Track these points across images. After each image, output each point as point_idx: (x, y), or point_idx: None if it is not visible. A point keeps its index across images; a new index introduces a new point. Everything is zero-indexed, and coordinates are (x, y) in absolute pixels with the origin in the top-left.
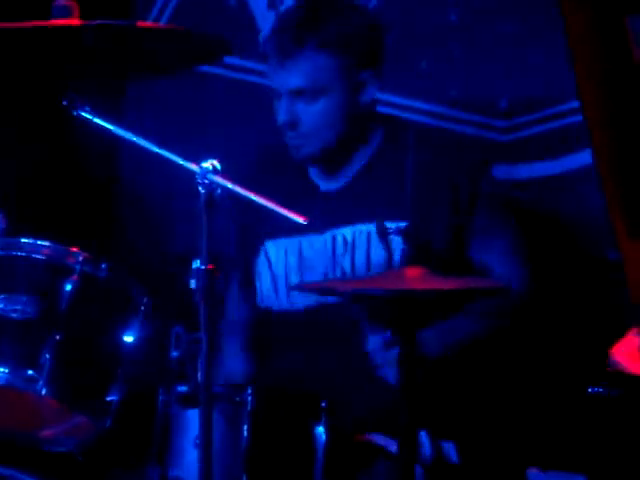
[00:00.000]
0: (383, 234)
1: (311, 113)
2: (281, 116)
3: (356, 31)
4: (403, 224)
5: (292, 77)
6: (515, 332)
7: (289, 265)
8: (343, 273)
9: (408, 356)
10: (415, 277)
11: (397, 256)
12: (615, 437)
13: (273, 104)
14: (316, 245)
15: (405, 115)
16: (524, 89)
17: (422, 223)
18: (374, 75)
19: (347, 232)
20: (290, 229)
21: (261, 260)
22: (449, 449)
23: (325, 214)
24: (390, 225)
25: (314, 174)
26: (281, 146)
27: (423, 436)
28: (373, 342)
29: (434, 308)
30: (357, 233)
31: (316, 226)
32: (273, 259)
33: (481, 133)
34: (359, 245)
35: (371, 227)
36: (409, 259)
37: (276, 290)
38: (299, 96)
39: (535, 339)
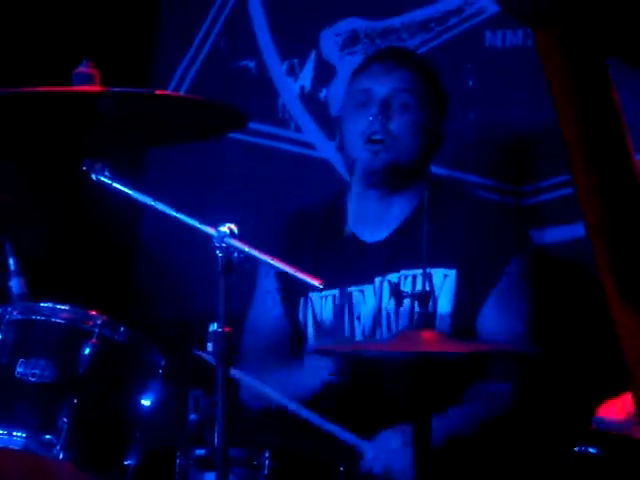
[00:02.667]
0: (397, 296)
1: (404, 118)
2: (372, 112)
3: (434, 79)
4: (418, 287)
5: (394, 80)
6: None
7: (337, 315)
8: (388, 320)
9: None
10: (433, 340)
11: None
12: None
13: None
14: (364, 294)
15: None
16: (547, 152)
17: (467, 274)
18: (444, 126)
19: (393, 278)
20: (336, 281)
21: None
22: None
23: (371, 264)
24: (404, 288)
25: (357, 228)
26: (318, 208)
27: None
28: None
29: (454, 370)
30: (402, 278)
31: (363, 276)
32: (317, 309)
33: (502, 198)
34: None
35: (417, 272)
36: (422, 323)
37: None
38: (393, 100)
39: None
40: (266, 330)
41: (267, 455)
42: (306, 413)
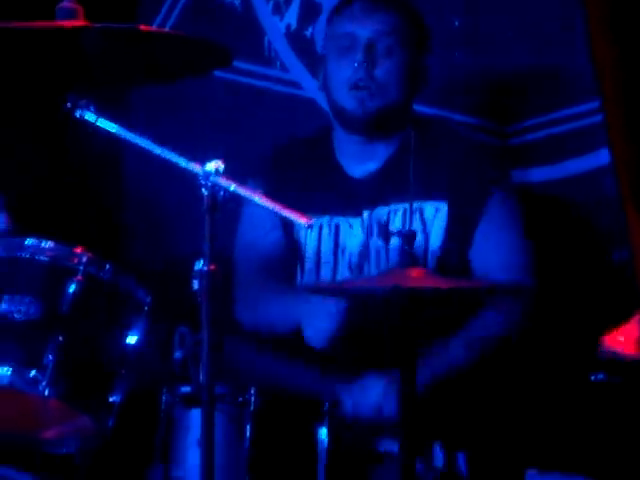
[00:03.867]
0: (385, 235)
1: (388, 63)
2: (357, 59)
3: (415, 18)
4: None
5: (376, 23)
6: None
7: (323, 247)
8: (377, 253)
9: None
10: (420, 277)
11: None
12: (617, 428)
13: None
14: (352, 227)
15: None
16: (532, 92)
17: (456, 207)
18: (428, 64)
19: (382, 212)
20: (323, 210)
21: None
22: (460, 460)
23: (359, 198)
24: (393, 226)
25: (345, 162)
26: (306, 140)
27: (436, 448)
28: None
29: (439, 307)
30: (392, 213)
31: (351, 209)
32: (302, 237)
33: (488, 138)
34: (393, 225)
35: (406, 206)
36: (408, 261)
37: (302, 271)
38: (377, 44)
39: (537, 333)
40: (265, 252)
41: (252, 392)
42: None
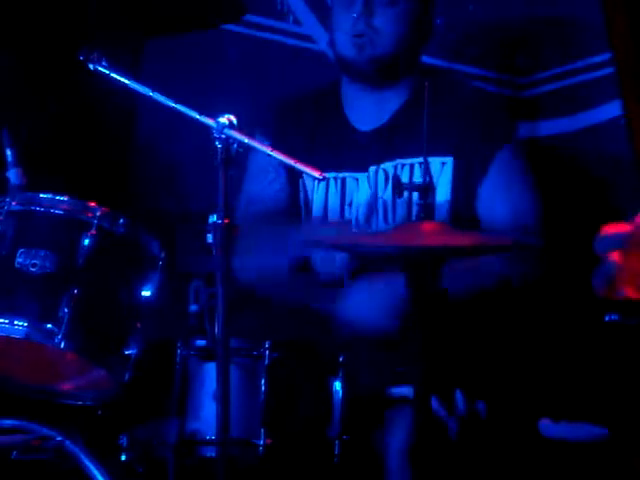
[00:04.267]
0: (399, 189)
1: (389, 12)
2: (357, 10)
3: None
4: (419, 178)
5: None
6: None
7: (329, 202)
8: (385, 210)
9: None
10: (434, 231)
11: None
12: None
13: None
14: (358, 182)
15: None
16: (543, 44)
17: (462, 160)
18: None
19: (389, 167)
20: (330, 166)
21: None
22: (480, 406)
23: (365, 152)
24: (405, 180)
25: (352, 115)
26: (313, 94)
27: (458, 394)
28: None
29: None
30: (399, 167)
31: (357, 164)
32: (309, 192)
33: (500, 90)
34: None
35: (412, 160)
36: (423, 215)
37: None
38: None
39: (551, 279)
40: (266, 202)
41: (267, 345)
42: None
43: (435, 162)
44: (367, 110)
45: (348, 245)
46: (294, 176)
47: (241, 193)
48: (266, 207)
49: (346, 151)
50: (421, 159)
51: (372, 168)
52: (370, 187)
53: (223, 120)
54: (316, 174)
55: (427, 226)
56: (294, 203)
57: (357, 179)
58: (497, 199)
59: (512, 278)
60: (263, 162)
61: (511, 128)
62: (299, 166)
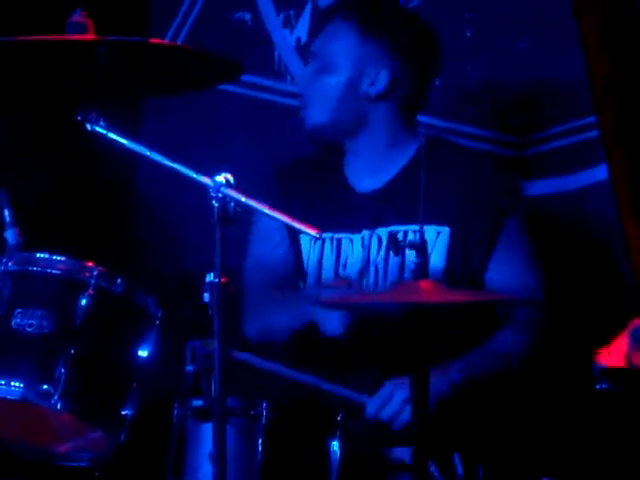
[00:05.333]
0: (396, 246)
1: (317, 82)
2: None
3: (396, 23)
4: (416, 238)
5: (316, 40)
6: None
7: (324, 262)
8: (376, 272)
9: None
10: (431, 290)
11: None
12: (622, 435)
13: None
14: (352, 243)
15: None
16: (540, 105)
17: (461, 231)
18: (392, 75)
19: (382, 232)
20: (326, 226)
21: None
22: (477, 471)
23: (361, 215)
24: (401, 238)
25: (351, 176)
26: (316, 155)
27: (456, 458)
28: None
29: (452, 321)
30: (392, 234)
31: (352, 226)
32: (305, 252)
33: (497, 149)
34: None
35: (406, 228)
36: (421, 273)
37: (304, 283)
38: (314, 62)
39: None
40: (273, 266)
41: (264, 406)
42: (307, 378)
43: (430, 230)
44: (366, 171)
45: (350, 304)
46: (295, 236)
47: (248, 256)
48: (275, 272)
49: (343, 212)
50: (415, 227)
51: (366, 231)
52: (363, 249)
53: (220, 179)
54: (313, 232)
55: (424, 284)
56: (299, 265)
57: (352, 240)
58: (503, 273)
59: (520, 355)
60: (267, 224)
61: (518, 195)
62: (296, 225)
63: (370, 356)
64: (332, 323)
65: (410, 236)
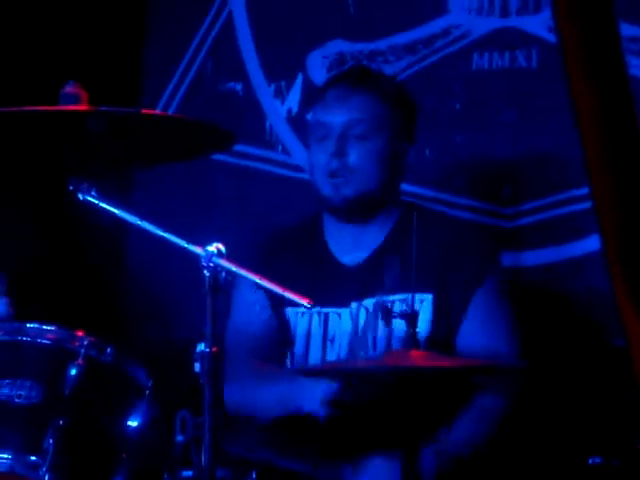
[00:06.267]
0: (387, 315)
1: (361, 149)
2: (330, 149)
3: (397, 101)
4: (406, 308)
5: (349, 110)
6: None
7: (312, 336)
8: (365, 343)
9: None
10: (422, 357)
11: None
12: None
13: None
14: (340, 317)
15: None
16: (528, 176)
17: (442, 297)
18: (408, 149)
19: (369, 304)
20: (313, 299)
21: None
22: None
23: (348, 287)
24: (394, 308)
25: (335, 249)
26: (297, 227)
27: None
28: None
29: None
30: (383, 304)
31: (340, 299)
32: (292, 323)
33: (486, 220)
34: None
35: (394, 297)
36: (411, 342)
37: (292, 356)
38: (350, 132)
39: (535, 417)
40: (254, 335)
41: (254, 476)
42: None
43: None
44: (348, 244)
45: (341, 370)
46: (279, 307)
47: (229, 324)
48: (255, 339)
49: (329, 285)
50: (402, 296)
51: (354, 304)
52: (352, 323)
53: (211, 249)
54: (305, 302)
55: (415, 353)
56: (285, 335)
57: (340, 314)
58: (473, 335)
59: (498, 418)
60: (250, 293)
61: (492, 261)
62: (288, 294)
63: (356, 435)
64: (314, 403)
65: (397, 306)
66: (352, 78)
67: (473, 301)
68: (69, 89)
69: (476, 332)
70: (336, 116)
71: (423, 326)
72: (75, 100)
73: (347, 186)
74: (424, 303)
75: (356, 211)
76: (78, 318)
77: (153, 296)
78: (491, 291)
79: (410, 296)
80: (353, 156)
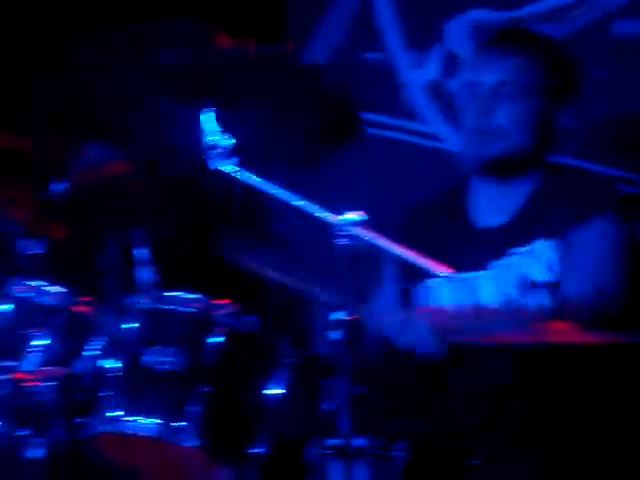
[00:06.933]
0: (530, 286)
1: (511, 110)
2: (479, 107)
3: (555, 65)
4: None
5: (501, 71)
6: None
7: (455, 301)
8: (510, 304)
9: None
10: (566, 330)
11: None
12: None
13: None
14: (482, 281)
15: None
16: None
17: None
18: (561, 114)
19: (513, 264)
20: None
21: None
22: None
23: (489, 249)
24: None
25: (476, 214)
26: (437, 196)
27: None
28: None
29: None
30: (524, 264)
31: (481, 262)
32: (435, 294)
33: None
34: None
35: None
36: (555, 313)
37: None
38: (500, 92)
39: None
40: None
41: (400, 446)
42: None
43: (543, 245)
44: (490, 208)
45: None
46: (418, 276)
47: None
48: None
49: (469, 251)
50: (543, 258)
51: (494, 268)
52: (496, 286)
53: (350, 217)
54: (447, 272)
55: (559, 325)
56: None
57: (480, 278)
58: (576, 274)
59: None
60: (391, 268)
61: (622, 220)
62: (430, 264)
63: None
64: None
65: (539, 271)
66: (507, 39)
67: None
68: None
69: (579, 270)
70: (488, 76)
71: (548, 274)
72: None
73: (494, 145)
74: (550, 250)
75: (500, 171)
76: (221, 288)
77: (291, 266)
78: (600, 231)
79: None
80: (502, 116)
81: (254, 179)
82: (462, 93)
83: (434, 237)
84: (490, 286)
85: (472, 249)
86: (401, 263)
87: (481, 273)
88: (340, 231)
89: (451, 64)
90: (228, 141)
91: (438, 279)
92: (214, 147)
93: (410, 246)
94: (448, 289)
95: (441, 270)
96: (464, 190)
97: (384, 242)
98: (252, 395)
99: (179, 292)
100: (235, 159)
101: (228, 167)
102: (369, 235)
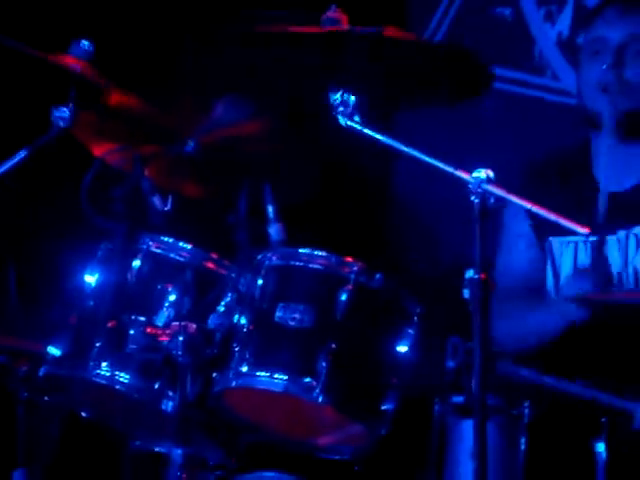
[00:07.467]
0: None
1: (638, 67)
2: (606, 62)
3: None
4: None
5: (630, 25)
6: None
7: (578, 265)
8: (635, 273)
9: None
10: None
11: None
12: None
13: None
14: (608, 244)
15: None
16: None
17: None
18: None
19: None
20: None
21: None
22: None
23: (615, 214)
24: None
25: (602, 175)
26: (563, 153)
27: None
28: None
29: None
30: None
31: (607, 226)
32: (557, 256)
33: None
34: None
35: None
36: None
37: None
38: (629, 46)
39: None
40: (522, 272)
41: (526, 405)
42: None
43: None
44: (617, 168)
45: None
46: (542, 236)
47: (497, 260)
48: (520, 279)
49: (595, 213)
50: None
51: (622, 232)
52: (620, 251)
53: (480, 174)
54: (583, 230)
55: None
56: (544, 273)
57: (607, 243)
58: None
59: None
60: (515, 229)
61: None
62: (563, 221)
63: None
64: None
65: None
66: None
67: None
68: (331, 13)
69: None
70: (615, 31)
71: None
72: (336, 23)
73: (622, 100)
74: None
75: (629, 128)
76: (347, 244)
77: (419, 223)
78: None
79: None
80: (630, 70)
81: (381, 136)
82: (586, 49)
83: (558, 193)
84: (616, 252)
85: (599, 211)
86: (532, 219)
87: (608, 238)
88: (472, 188)
89: (583, 18)
90: (352, 98)
91: (566, 238)
92: (342, 104)
93: (537, 200)
94: (574, 250)
95: (578, 228)
96: (588, 147)
97: (518, 200)
98: (380, 351)
99: (307, 249)
100: (360, 116)
101: (356, 124)
102: (503, 193)
